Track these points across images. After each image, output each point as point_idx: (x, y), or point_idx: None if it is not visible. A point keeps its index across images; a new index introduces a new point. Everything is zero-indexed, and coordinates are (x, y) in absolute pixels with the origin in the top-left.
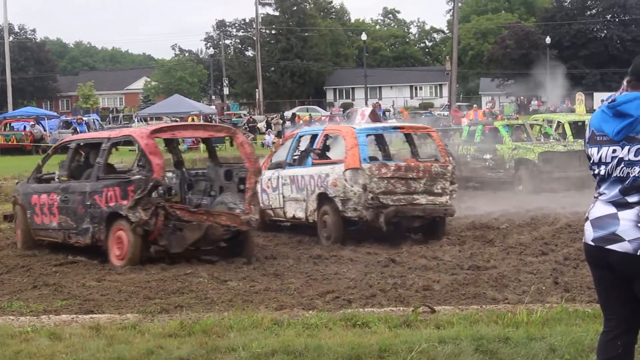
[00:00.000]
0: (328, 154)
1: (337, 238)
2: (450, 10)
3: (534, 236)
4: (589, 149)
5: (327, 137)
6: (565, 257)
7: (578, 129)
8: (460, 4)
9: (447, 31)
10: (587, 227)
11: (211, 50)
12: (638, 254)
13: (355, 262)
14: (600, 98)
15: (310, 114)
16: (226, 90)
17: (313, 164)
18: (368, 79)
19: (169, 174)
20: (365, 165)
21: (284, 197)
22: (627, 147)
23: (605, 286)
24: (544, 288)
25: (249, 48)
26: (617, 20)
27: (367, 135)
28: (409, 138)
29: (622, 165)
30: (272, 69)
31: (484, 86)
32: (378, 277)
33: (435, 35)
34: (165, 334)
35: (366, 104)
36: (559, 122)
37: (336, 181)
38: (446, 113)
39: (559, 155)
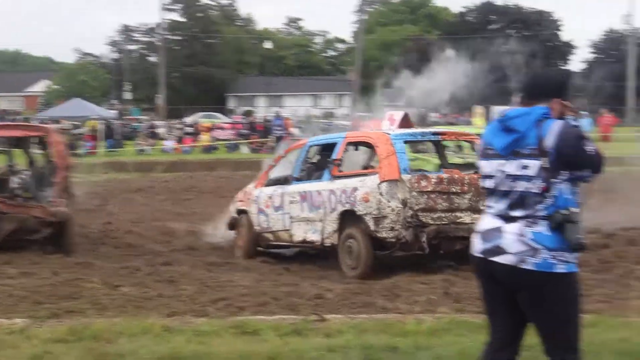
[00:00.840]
0: (345, 166)
1: (366, 265)
2: (355, 21)
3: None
4: (481, 162)
5: (349, 145)
6: (456, 268)
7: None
8: (365, 16)
9: (351, 42)
10: (476, 239)
11: (115, 55)
12: (520, 266)
13: (249, 270)
14: (498, 111)
15: (212, 122)
16: (128, 95)
17: (333, 177)
18: (271, 88)
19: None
20: (405, 177)
21: (291, 217)
22: (513, 162)
23: (492, 298)
24: (434, 298)
25: (153, 53)
26: (519, 35)
27: (405, 142)
28: (443, 147)
29: (508, 179)
30: (176, 74)
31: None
32: (271, 285)
33: (339, 45)
34: (53, 339)
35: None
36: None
37: (368, 195)
38: (347, 123)
39: (456, 168)
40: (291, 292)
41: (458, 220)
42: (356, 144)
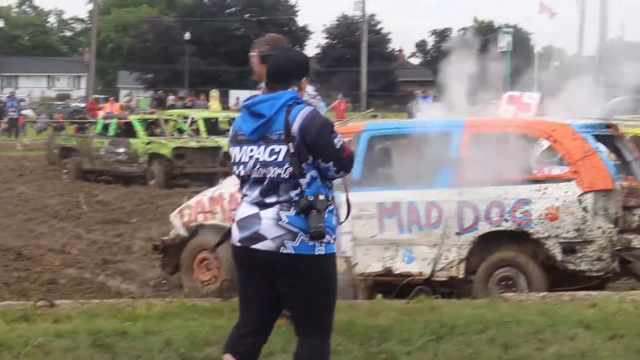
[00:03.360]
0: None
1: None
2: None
3: (163, 231)
4: (231, 148)
5: (481, 137)
6: None
7: (212, 125)
8: None
9: (87, 22)
10: (234, 228)
11: None
12: (280, 251)
13: None
14: (236, 96)
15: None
16: None
17: (462, 184)
18: (4, 68)
19: None
20: (617, 186)
21: (355, 238)
22: (262, 147)
23: (250, 286)
24: (164, 282)
25: None
26: (255, 19)
27: (595, 136)
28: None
29: (259, 166)
30: None
31: (123, 79)
32: (2, 271)
33: (75, 25)
34: None
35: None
36: (193, 118)
37: (558, 212)
38: (83, 105)
39: (192, 151)
40: (23, 277)
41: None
42: (490, 135)
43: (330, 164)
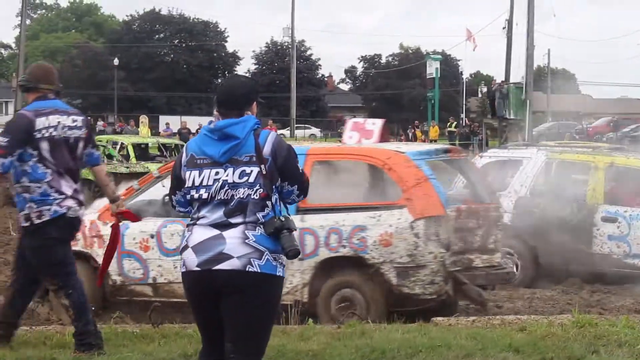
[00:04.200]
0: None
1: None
2: (17, 25)
3: None
4: (187, 172)
5: (318, 165)
6: None
7: (141, 151)
8: (29, 22)
9: (14, 47)
10: (188, 254)
11: None
12: (246, 269)
13: None
14: (166, 121)
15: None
16: None
17: (303, 211)
18: None
19: None
20: (448, 212)
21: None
22: (230, 169)
23: (209, 312)
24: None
25: None
26: (184, 45)
27: (427, 162)
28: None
29: (227, 187)
30: None
31: None
32: None
33: (2, 50)
34: None
35: None
36: (122, 143)
37: (392, 238)
38: None
39: (121, 177)
40: None
41: (473, 265)
42: (330, 163)
43: (295, 187)
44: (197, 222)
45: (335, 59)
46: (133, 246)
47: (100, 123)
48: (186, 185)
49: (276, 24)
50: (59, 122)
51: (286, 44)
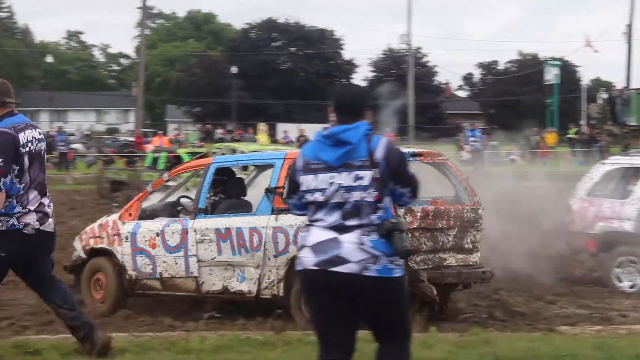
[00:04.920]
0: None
1: None
2: (137, 36)
3: None
4: (302, 177)
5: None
6: None
7: None
8: (148, 32)
9: (134, 56)
10: (306, 253)
11: None
12: (363, 273)
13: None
14: (284, 129)
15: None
16: None
17: (278, 211)
18: (54, 103)
19: None
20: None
21: (198, 260)
22: (344, 173)
23: (327, 312)
24: (217, 316)
25: None
26: (301, 53)
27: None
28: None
29: (342, 190)
30: None
31: (170, 113)
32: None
33: (122, 60)
34: None
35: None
36: (242, 151)
37: None
38: (132, 139)
39: None
40: None
41: (445, 264)
42: None
43: (407, 189)
44: (314, 224)
45: (452, 66)
46: (143, 244)
47: (219, 131)
48: (301, 189)
49: (393, 31)
50: (33, 136)
51: (403, 51)
